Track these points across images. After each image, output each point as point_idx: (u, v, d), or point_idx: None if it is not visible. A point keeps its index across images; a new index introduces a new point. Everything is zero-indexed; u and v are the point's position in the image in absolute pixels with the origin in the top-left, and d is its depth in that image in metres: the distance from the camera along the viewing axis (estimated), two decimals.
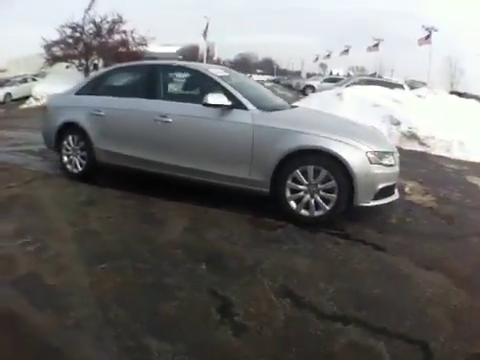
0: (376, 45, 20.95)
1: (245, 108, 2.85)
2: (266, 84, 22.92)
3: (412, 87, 13.51)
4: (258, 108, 2.88)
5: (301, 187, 2.71)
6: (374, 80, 12.54)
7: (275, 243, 2.45)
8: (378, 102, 7.83)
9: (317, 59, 30.95)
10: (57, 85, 7.10)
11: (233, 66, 23.39)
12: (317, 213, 2.70)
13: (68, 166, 3.71)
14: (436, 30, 15.85)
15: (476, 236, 2.67)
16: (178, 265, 2.11)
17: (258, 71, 41.25)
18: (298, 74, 35.76)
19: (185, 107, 3.07)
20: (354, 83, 12.34)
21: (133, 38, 14.65)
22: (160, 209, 2.94)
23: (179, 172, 3.10)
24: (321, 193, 2.67)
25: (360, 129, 3.17)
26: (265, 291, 1.88)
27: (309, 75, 30.06)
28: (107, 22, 14.54)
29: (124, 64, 4.06)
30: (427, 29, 15.87)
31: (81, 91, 3.73)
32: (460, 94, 12.67)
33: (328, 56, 29.13)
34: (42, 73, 15.80)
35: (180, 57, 22.43)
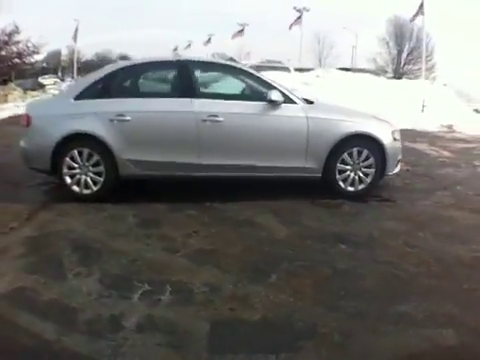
0: (241, 31, 21.41)
1: (295, 102, 3.16)
2: None
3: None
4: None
5: (348, 167, 3.25)
6: (263, 66, 13.34)
7: (350, 215, 2.98)
8: (294, 86, 9.03)
9: (176, 50, 30.49)
10: None
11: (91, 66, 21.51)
12: (360, 187, 3.31)
13: (75, 187, 3.16)
14: (308, 10, 16.88)
15: None
16: (331, 249, 2.38)
17: None
18: None
19: (235, 105, 3.12)
20: None
21: (28, 47, 14.27)
22: (234, 212, 2.98)
23: (233, 171, 3.15)
24: (363, 170, 3.27)
25: (373, 114, 3.89)
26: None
27: None
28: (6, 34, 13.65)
29: (142, 60, 3.57)
30: (298, 10, 16.79)
31: (84, 94, 3.16)
32: (347, 69, 14.17)
33: (189, 46, 28.83)
34: None
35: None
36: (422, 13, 10.02)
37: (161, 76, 3.40)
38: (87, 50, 29.07)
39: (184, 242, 2.47)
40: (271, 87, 3.14)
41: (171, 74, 3.28)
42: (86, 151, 3.09)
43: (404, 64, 29.09)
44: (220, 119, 3.04)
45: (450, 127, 7.42)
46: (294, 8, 16.56)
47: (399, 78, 18.76)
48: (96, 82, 3.24)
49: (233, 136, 3.09)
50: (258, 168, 3.15)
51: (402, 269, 2.14)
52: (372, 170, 3.27)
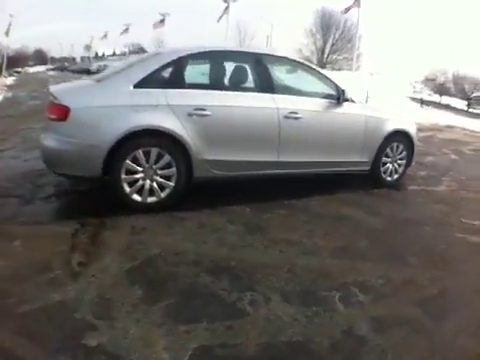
0: (162, 21, 21.18)
1: (353, 101, 3.39)
2: (50, 73, 18.89)
3: None
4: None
5: (388, 160, 3.71)
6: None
7: (403, 202, 3.47)
8: None
9: (91, 41, 28.48)
10: None
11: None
12: (395, 177, 3.82)
13: (135, 196, 2.65)
14: (235, 0, 17.22)
15: None
16: (423, 231, 2.81)
17: (30, 63, 35.68)
18: (73, 60, 31.58)
19: (309, 102, 3.15)
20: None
21: None
22: (317, 207, 3.06)
23: (306, 168, 3.21)
24: (398, 162, 3.78)
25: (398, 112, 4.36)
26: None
27: (97, 56, 27.19)
28: None
29: (211, 48, 3.08)
30: (225, 1, 17.06)
31: (147, 82, 2.64)
32: None
33: (105, 36, 27.17)
34: None
35: None
36: (358, 5, 11.21)
37: (234, 67, 3.06)
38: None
39: (314, 243, 2.45)
40: (336, 85, 3.26)
41: (247, 66, 3.02)
42: (155, 151, 2.60)
43: (328, 54, 30.75)
44: (299, 116, 3.02)
45: None
46: None
47: (322, 68, 20.74)
48: (162, 68, 2.73)
49: (309, 133, 3.12)
50: (327, 163, 3.26)
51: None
52: (404, 161, 3.80)
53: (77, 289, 1.80)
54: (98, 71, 18.18)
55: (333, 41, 30.71)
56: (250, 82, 2.98)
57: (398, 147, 3.71)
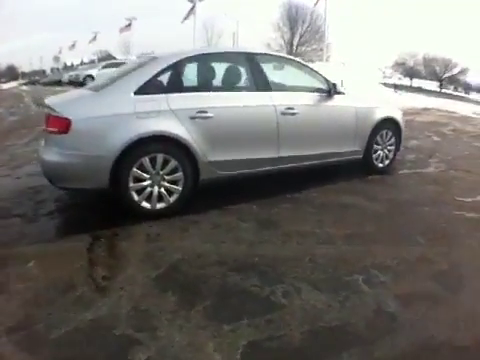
0: (128, 25, 21.03)
1: (343, 93, 3.52)
2: (22, 88, 18.29)
3: None
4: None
5: (379, 147, 3.88)
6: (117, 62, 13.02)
7: (398, 186, 3.66)
8: None
9: (60, 52, 27.93)
10: None
11: None
12: (386, 162, 4.00)
13: (144, 204, 2.64)
14: (201, 0, 17.13)
15: None
16: (423, 212, 2.98)
17: (2, 80, 34.77)
18: (43, 72, 30.58)
19: (302, 96, 3.24)
20: (107, 65, 12.57)
21: None
22: (320, 198, 3.17)
23: (303, 161, 3.30)
24: (388, 148, 3.97)
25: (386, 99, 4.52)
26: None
27: (66, 67, 26.40)
28: None
29: (207, 50, 3.22)
30: (191, 1, 16.90)
31: (147, 88, 2.63)
32: None
33: (73, 46, 26.56)
34: None
35: None
36: None
37: (230, 68, 3.09)
38: None
39: (326, 233, 2.56)
40: (326, 79, 3.38)
41: (240, 66, 3.06)
42: (161, 157, 2.60)
43: (297, 46, 30.82)
44: (295, 111, 3.11)
45: None
46: None
47: None
48: (159, 73, 2.73)
49: (305, 127, 3.22)
50: (323, 155, 3.38)
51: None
52: (393, 147, 3.99)
53: (108, 304, 1.77)
54: (70, 82, 17.73)
55: (301, 33, 31.00)
56: (247, 81, 3.03)
57: (387, 134, 3.88)
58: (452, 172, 4.07)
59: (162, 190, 2.68)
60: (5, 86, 20.91)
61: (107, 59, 24.34)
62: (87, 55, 30.95)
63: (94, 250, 2.29)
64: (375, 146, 3.81)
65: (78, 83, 16.07)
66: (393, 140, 3.95)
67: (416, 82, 16.17)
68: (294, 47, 30.82)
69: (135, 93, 2.59)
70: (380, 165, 3.91)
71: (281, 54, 3.56)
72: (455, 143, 5.53)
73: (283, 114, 3.04)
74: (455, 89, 29.13)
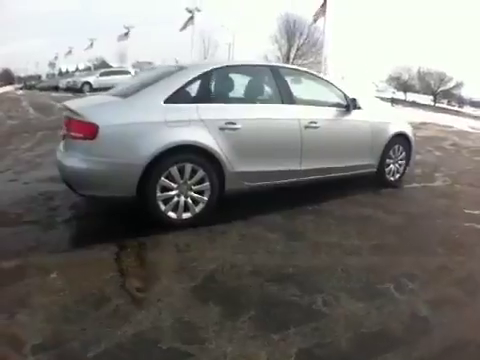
0: (126, 34, 21.48)
1: (360, 108, 3.63)
2: (19, 92, 18.17)
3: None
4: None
5: (390, 161, 4.00)
6: (111, 71, 13.28)
7: (409, 198, 3.80)
8: None
9: (56, 58, 28.26)
10: None
11: None
12: (397, 176, 4.12)
13: (171, 214, 2.65)
14: (199, 10, 17.43)
15: None
16: (437, 224, 3.11)
17: None
18: (39, 78, 30.68)
19: (324, 111, 3.34)
20: (103, 73, 12.73)
21: None
22: (338, 211, 3.24)
23: (323, 174, 3.38)
24: (399, 162, 4.09)
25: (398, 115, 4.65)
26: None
27: (62, 73, 26.42)
28: None
29: (234, 62, 3.32)
30: (190, 11, 17.25)
31: (177, 97, 2.66)
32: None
33: (69, 53, 26.77)
34: None
35: None
36: (324, 14, 11.84)
37: (256, 80, 3.18)
38: None
39: (352, 244, 2.64)
40: (345, 94, 3.50)
41: (266, 79, 3.14)
42: (189, 166, 2.63)
43: (293, 59, 30.97)
44: (318, 125, 3.20)
45: None
46: (186, 9, 16.68)
47: None
48: (189, 83, 2.77)
49: (326, 141, 3.31)
50: (341, 168, 3.46)
51: None
52: (404, 162, 4.10)
53: (149, 317, 1.71)
54: (68, 88, 17.69)
55: (298, 46, 31.34)
56: (272, 94, 3.13)
57: (398, 148, 4.01)
58: (458, 186, 4.22)
59: (188, 200, 2.69)
60: (1, 90, 20.78)
61: (102, 66, 24.59)
62: (83, 62, 31.26)
63: (123, 260, 2.25)
64: (387, 160, 3.92)
65: (76, 90, 16.24)
66: (404, 154, 4.08)
67: (410, 96, 16.68)
68: (291, 60, 31.28)
69: (165, 101, 2.63)
70: (391, 179, 4.03)
71: (304, 69, 3.65)
72: (456, 158, 5.73)
73: (306, 128, 3.13)
74: (449, 103, 29.87)
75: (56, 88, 18.99)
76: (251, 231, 2.70)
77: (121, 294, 1.89)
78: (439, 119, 11.26)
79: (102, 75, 17.08)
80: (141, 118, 2.54)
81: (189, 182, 2.67)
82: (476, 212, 3.40)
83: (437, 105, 15.57)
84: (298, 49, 32.00)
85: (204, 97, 2.81)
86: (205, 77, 2.84)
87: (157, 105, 2.60)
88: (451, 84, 23.69)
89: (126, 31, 21.42)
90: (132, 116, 2.54)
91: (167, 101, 2.63)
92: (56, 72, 29.90)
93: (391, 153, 3.94)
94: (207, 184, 2.72)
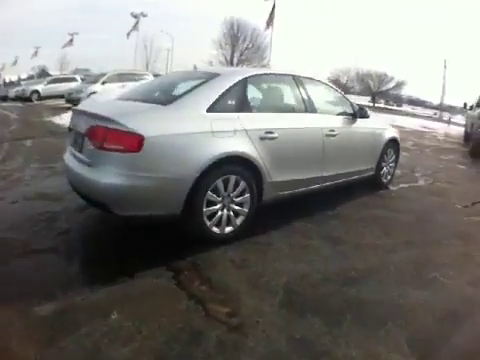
0: (71, 40, 21.26)
1: (368, 117, 3.96)
2: None
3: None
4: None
5: (384, 164, 4.44)
6: (127, 73, 13.10)
7: (404, 198, 4.19)
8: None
9: (3, 68, 27.37)
10: None
11: None
12: (388, 178, 4.58)
13: (214, 229, 2.63)
14: (145, 15, 17.37)
15: None
16: (440, 219, 3.49)
17: None
18: None
19: (339, 119, 3.60)
20: (109, 79, 12.48)
21: None
22: (352, 214, 3.47)
23: (338, 179, 3.64)
24: (390, 165, 4.54)
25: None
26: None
27: (6, 84, 24.62)
28: None
29: (262, 71, 3.33)
30: (135, 16, 16.91)
31: (218, 106, 2.63)
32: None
33: (15, 62, 26.11)
34: None
35: None
36: (272, 23, 12.47)
37: (284, 89, 3.29)
38: None
39: (384, 243, 2.89)
40: (351, 103, 3.79)
41: (290, 88, 3.26)
42: (233, 178, 2.63)
43: (237, 64, 31.49)
44: (335, 133, 3.42)
45: None
46: (131, 14, 16.26)
47: None
48: (228, 91, 2.73)
49: (342, 148, 3.55)
50: (351, 173, 3.75)
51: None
52: (393, 164, 4.57)
53: (260, 342, 1.66)
54: (16, 97, 17.28)
55: (241, 51, 32.12)
56: (298, 103, 3.26)
57: (390, 152, 4.45)
58: (439, 184, 4.83)
59: (230, 213, 2.67)
60: None
61: (43, 75, 23.93)
62: (26, 71, 29.41)
63: (187, 285, 2.09)
64: (382, 163, 4.32)
65: (25, 98, 16.49)
66: (394, 157, 4.53)
67: (349, 98, 18.23)
68: (234, 65, 31.87)
69: (207, 110, 2.58)
70: (384, 180, 4.45)
71: (322, 79, 3.85)
72: (424, 158, 6.47)
73: (327, 136, 3.33)
74: (386, 102, 32.36)
75: (5, 98, 18.31)
76: (293, 240, 2.81)
77: (212, 323, 1.76)
78: (390, 120, 12.48)
79: (49, 83, 17.16)
80: (188, 128, 2.43)
81: (231, 195, 2.65)
82: (467, 206, 3.94)
83: (377, 105, 17.05)
84: (241, 54, 32.87)
85: (242, 106, 2.81)
86: (241, 85, 2.82)
87: (201, 114, 2.54)
88: (391, 84, 25.75)
89: (70, 38, 21.18)
90: (177, 126, 2.40)
91: (209, 110, 2.58)
92: (1, 82, 27.98)
93: (385, 157, 4.36)
94: (248, 196, 2.74)
